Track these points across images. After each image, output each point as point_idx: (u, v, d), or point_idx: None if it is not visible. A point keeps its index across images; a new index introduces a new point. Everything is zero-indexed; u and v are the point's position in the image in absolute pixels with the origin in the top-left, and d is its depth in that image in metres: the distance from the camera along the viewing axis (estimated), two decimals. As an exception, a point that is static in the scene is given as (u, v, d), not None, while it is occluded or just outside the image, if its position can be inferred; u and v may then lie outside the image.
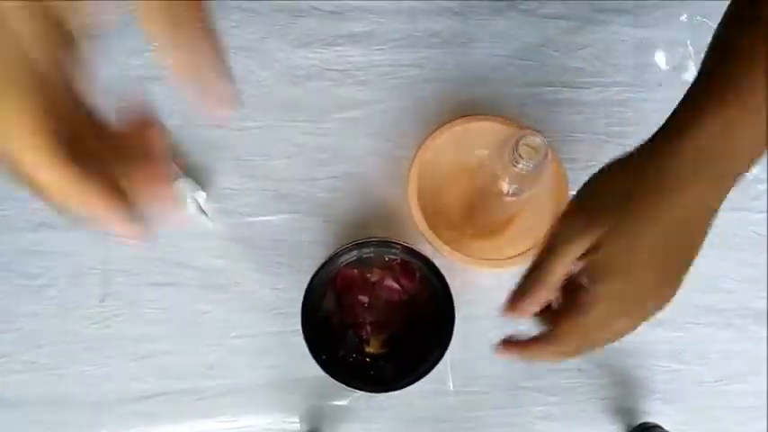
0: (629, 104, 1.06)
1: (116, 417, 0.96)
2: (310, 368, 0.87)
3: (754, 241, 1.03)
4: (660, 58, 1.08)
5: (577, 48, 1.07)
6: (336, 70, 1.05)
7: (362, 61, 1.05)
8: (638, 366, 0.99)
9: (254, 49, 1.04)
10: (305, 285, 0.85)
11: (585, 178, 1.03)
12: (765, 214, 1.03)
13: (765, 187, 1.04)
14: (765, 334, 1.00)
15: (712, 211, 0.69)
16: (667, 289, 0.70)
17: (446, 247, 0.93)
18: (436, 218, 0.96)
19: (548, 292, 0.69)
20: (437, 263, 0.88)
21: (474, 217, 0.99)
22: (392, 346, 0.90)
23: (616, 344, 0.96)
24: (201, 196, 0.99)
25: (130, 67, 1.04)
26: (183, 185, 0.98)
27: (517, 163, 0.79)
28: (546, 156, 0.80)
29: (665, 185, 0.66)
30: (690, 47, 1.08)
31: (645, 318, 0.70)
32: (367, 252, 0.87)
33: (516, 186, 0.85)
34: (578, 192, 0.72)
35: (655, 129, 1.03)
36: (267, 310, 0.98)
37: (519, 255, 0.95)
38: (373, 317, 0.89)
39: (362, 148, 1.02)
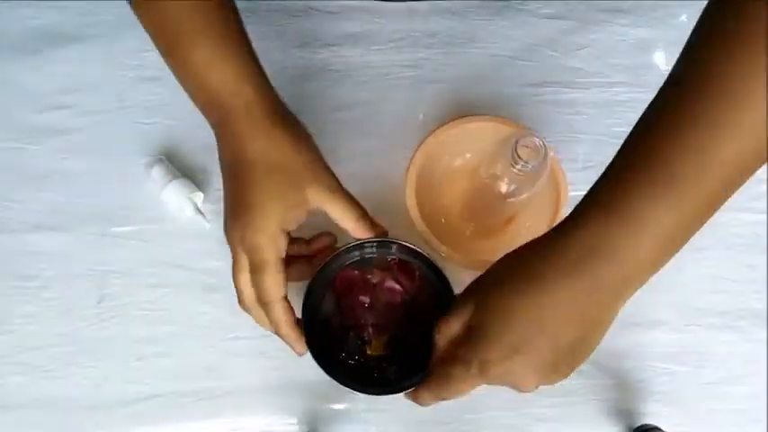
0: (628, 105, 1.06)
1: (114, 419, 0.95)
2: (309, 370, 0.87)
3: (754, 242, 1.03)
4: (660, 59, 1.08)
5: (577, 48, 1.07)
6: (334, 71, 1.05)
7: (360, 62, 1.05)
8: (637, 368, 0.99)
9: None
10: (304, 287, 0.85)
11: (585, 178, 1.03)
12: (765, 215, 1.03)
13: (766, 188, 1.05)
14: (765, 335, 1.00)
15: (603, 307, 0.70)
16: (546, 372, 0.71)
17: (444, 248, 0.93)
18: (435, 218, 0.97)
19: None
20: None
21: (473, 217, 0.99)
22: (393, 347, 0.89)
23: (615, 345, 0.98)
24: (199, 197, 0.99)
25: (130, 67, 1.04)
26: (181, 186, 0.98)
27: (516, 164, 0.80)
28: (545, 157, 0.80)
29: (540, 275, 0.68)
30: (689, 47, 1.09)
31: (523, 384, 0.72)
32: (369, 253, 0.87)
33: (515, 187, 0.85)
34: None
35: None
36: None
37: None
38: (374, 318, 0.88)
39: (360, 149, 1.02)
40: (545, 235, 0.70)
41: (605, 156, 1.04)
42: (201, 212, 0.98)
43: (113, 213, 1.01)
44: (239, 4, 1.06)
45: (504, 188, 0.85)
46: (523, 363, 0.69)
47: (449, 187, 0.99)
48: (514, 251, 0.72)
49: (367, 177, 0.99)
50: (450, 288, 0.82)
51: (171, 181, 0.98)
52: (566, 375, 0.71)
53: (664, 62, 1.08)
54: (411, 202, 0.94)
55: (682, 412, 0.98)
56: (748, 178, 0.68)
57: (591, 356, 0.93)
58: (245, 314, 0.86)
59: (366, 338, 0.88)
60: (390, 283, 0.88)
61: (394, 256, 0.87)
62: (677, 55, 1.06)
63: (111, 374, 0.97)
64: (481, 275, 0.75)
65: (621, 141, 1.04)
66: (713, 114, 0.62)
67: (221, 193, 0.80)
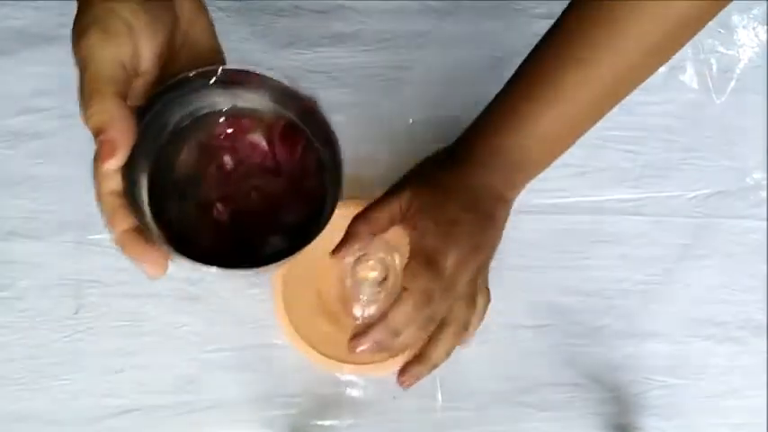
0: (624, 107, 1.04)
1: (90, 434, 0.95)
2: (294, 384, 0.87)
3: (753, 250, 1.03)
4: (658, 60, 1.09)
5: (571, 49, 1.07)
6: (320, 72, 1.05)
7: (347, 63, 1.05)
8: (633, 381, 0.99)
9: (233, 50, 1.02)
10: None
11: (580, 184, 1.03)
12: (765, 222, 1.04)
13: (766, 195, 1.05)
14: (766, 347, 1.00)
15: (498, 195, 0.86)
16: (464, 219, 0.83)
17: (315, 353, 0.93)
18: (312, 309, 0.96)
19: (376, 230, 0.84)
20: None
21: (347, 311, 0.97)
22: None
23: (611, 357, 0.98)
24: (178, 203, 0.99)
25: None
26: (161, 192, 0.97)
27: (362, 292, 0.85)
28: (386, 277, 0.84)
29: (460, 161, 0.85)
30: (688, 48, 1.08)
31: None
32: (242, 97, 0.72)
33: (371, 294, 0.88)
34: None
35: (651, 131, 1.03)
36: (247, 322, 0.97)
37: (396, 355, 0.92)
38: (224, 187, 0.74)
39: (347, 153, 0.98)
40: (462, 141, 0.88)
41: (601, 159, 1.05)
42: (181, 219, 0.98)
43: (90, 220, 1.00)
44: (223, 4, 1.06)
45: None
46: (463, 232, 0.82)
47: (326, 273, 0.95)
48: (433, 157, 0.89)
49: (352, 183, 0.99)
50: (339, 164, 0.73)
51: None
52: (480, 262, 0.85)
53: (662, 63, 1.08)
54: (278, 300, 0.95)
55: (680, 427, 0.98)
56: (627, 93, 0.86)
57: (587, 369, 0.94)
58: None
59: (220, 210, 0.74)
60: (255, 139, 0.75)
61: (283, 115, 0.73)
62: (676, 55, 1.06)
63: (87, 387, 0.96)
64: (407, 175, 0.87)
65: (617, 145, 1.05)
66: (590, 37, 0.78)
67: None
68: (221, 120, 0.72)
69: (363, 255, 0.84)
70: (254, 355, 0.97)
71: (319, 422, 0.95)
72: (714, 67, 1.11)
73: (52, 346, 0.97)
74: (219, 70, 0.68)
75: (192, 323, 0.97)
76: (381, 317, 0.81)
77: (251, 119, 0.73)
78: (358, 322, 0.90)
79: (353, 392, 0.96)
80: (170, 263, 0.65)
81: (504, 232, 0.88)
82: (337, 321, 0.96)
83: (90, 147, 0.99)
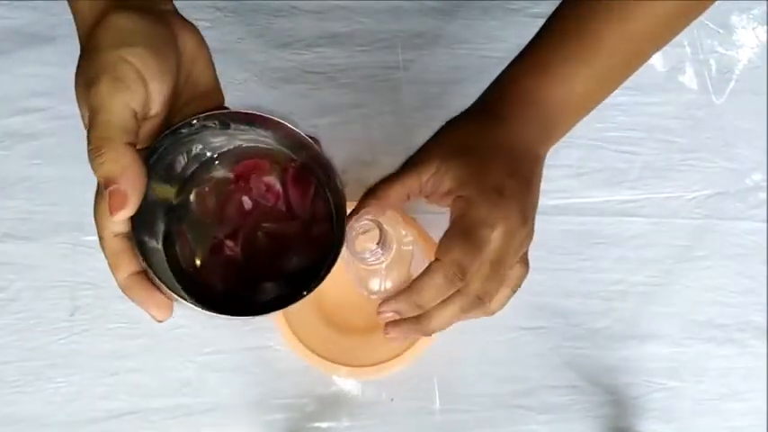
0: (623, 108, 1.06)
1: (85, 437, 0.95)
2: (291, 386, 0.88)
3: (753, 252, 1.03)
4: (657, 60, 1.09)
5: (569, 49, 1.07)
6: (317, 73, 1.06)
7: (344, 63, 1.06)
8: (632, 384, 0.99)
9: (229, 50, 1.04)
10: None
11: (580, 185, 1.04)
12: (765, 224, 1.04)
13: (765, 196, 1.05)
14: (765, 349, 1.00)
15: (534, 154, 0.81)
16: (513, 187, 0.78)
17: (313, 355, 0.93)
18: (310, 312, 0.96)
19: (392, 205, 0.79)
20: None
21: (348, 315, 0.97)
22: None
23: (610, 360, 0.98)
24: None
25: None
26: (156, 194, 0.98)
27: (363, 260, 0.77)
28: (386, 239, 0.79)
29: (493, 117, 0.80)
30: (687, 48, 1.09)
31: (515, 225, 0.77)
32: (256, 139, 0.72)
33: (377, 282, 0.84)
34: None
35: (650, 132, 1.03)
36: (244, 324, 0.97)
37: (395, 357, 0.94)
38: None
39: (344, 155, 1.02)
40: (490, 91, 0.84)
41: (600, 161, 1.05)
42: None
43: (86, 222, 0.97)
44: (220, 3, 1.07)
45: (368, 288, 0.83)
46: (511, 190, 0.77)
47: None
48: (459, 117, 0.83)
49: (351, 185, 0.99)
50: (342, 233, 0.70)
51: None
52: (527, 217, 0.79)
53: (661, 63, 1.08)
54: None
55: (679, 430, 0.98)
56: (659, 49, 0.84)
57: (586, 372, 0.94)
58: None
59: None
60: (269, 180, 0.75)
61: (295, 159, 0.74)
62: (674, 56, 1.06)
63: (83, 390, 0.96)
64: (430, 142, 0.81)
65: (616, 146, 1.05)
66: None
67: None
68: (227, 163, 0.73)
69: (358, 225, 0.79)
70: (252, 358, 0.97)
71: (317, 424, 0.96)
72: (713, 68, 1.11)
73: (47, 348, 0.97)
74: (225, 113, 0.68)
75: (189, 325, 0.97)
76: (406, 287, 0.76)
77: (258, 161, 0.73)
78: (374, 297, 0.87)
79: (351, 395, 0.96)
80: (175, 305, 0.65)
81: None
82: (335, 324, 0.96)
83: (86, 147, 0.99)
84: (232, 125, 0.69)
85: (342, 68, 1.06)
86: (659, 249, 1.03)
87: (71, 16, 0.68)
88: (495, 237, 0.74)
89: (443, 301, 0.75)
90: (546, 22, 0.83)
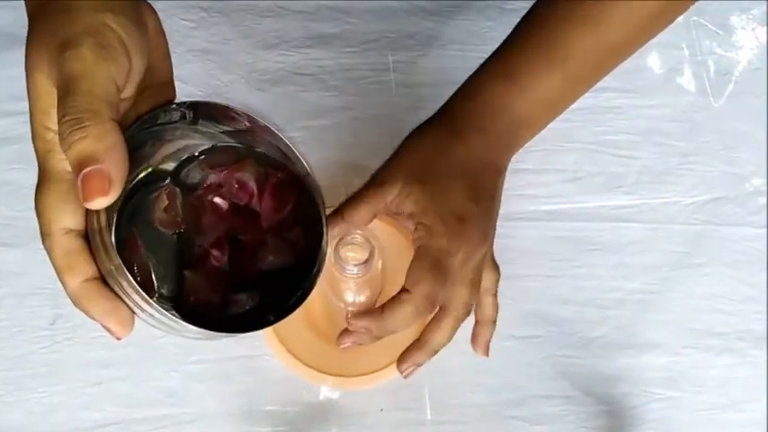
0: (620, 111, 1.07)
1: (67, 448, 0.95)
2: (278, 396, 0.88)
3: (753, 258, 1.04)
4: (654, 62, 1.10)
5: (564, 50, 1.08)
6: (304, 74, 1.06)
7: (333, 65, 1.06)
8: (629, 394, 0.99)
9: (215, 51, 1.04)
10: None
11: (575, 190, 1.04)
12: (765, 230, 1.04)
13: (765, 201, 1.06)
14: (765, 359, 1.00)
15: (495, 167, 0.85)
16: (473, 212, 0.82)
17: (300, 364, 0.94)
18: (297, 320, 0.96)
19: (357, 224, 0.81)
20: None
21: (336, 323, 0.97)
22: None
23: (606, 369, 0.98)
24: (160, 209, 1.00)
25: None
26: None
27: (344, 270, 0.80)
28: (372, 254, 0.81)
29: (455, 133, 0.83)
30: (685, 50, 1.10)
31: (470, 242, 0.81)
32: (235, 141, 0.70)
33: (356, 293, 0.87)
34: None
35: (647, 136, 1.04)
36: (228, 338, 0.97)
37: (385, 366, 0.94)
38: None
39: (332, 159, 1.02)
40: (451, 103, 0.86)
41: (595, 165, 1.06)
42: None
43: None
44: (206, 4, 1.07)
45: (347, 297, 0.87)
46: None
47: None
48: (422, 127, 0.86)
49: (339, 190, 0.99)
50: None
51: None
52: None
53: (658, 65, 1.09)
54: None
55: (677, 441, 0.98)
56: (631, 53, 0.86)
57: (581, 382, 0.94)
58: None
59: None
60: (242, 177, 0.71)
61: (275, 172, 0.71)
62: (672, 58, 1.08)
63: (64, 400, 0.96)
64: (393, 158, 0.84)
65: (612, 150, 1.06)
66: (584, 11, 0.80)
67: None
68: (203, 161, 0.70)
69: (346, 236, 0.81)
70: (237, 367, 0.97)
71: (305, 435, 0.96)
72: (712, 70, 1.11)
73: (29, 357, 0.97)
74: (199, 105, 0.64)
75: (173, 334, 0.98)
76: (376, 311, 0.79)
77: (237, 162, 0.70)
78: (351, 308, 0.89)
79: (339, 405, 0.97)
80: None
81: (495, 240, 0.87)
82: (322, 332, 0.96)
83: None
84: (203, 120, 0.66)
85: (330, 70, 1.06)
86: (656, 256, 1.04)
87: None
88: (457, 261, 0.79)
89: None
90: (515, 28, 0.85)
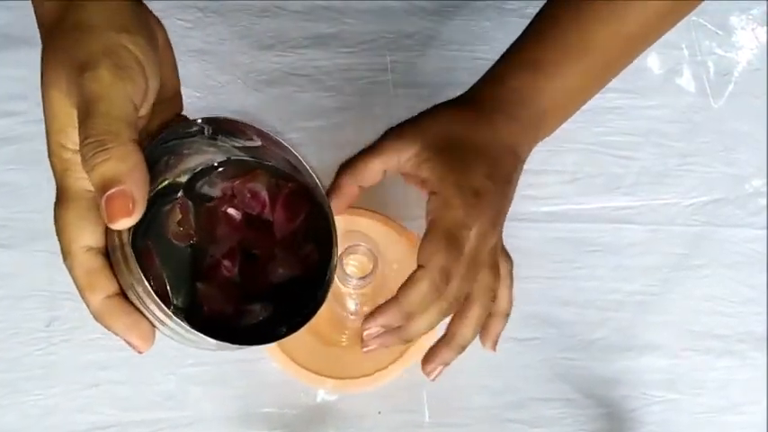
0: (620, 111, 1.07)
1: (62, 452, 0.95)
2: (276, 399, 0.88)
3: (753, 260, 1.04)
4: (654, 62, 1.10)
5: (564, 50, 1.08)
6: (301, 75, 1.07)
7: (330, 65, 1.07)
8: (628, 396, 0.99)
9: (211, 52, 1.04)
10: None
11: (575, 191, 1.05)
12: (765, 231, 1.05)
13: (765, 202, 1.06)
14: (765, 361, 1.01)
15: (516, 154, 0.83)
16: (489, 189, 0.79)
17: (297, 367, 0.94)
18: None
19: (363, 180, 0.81)
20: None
21: (334, 325, 0.98)
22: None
23: (605, 371, 0.99)
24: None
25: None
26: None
27: (348, 283, 0.81)
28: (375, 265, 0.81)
29: (481, 114, 0.81)
30: (685, 50, 1.10)
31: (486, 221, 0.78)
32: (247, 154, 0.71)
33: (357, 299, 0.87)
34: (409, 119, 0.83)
35: (646, 137, 1.04)
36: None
37: (383, 368, 0.94)
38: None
39: (329, 161, 0.99)
40: (480, 86, 0.85)
41: (595, 166, 1.06)
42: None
43: None
44: (202, 4, 1.07)
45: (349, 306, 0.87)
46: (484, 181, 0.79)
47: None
48: (448, 104, 0.84)
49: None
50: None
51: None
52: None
53: (657, 65, 1.09)
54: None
55: (677, 444, 0.98)
56: (650, 44, 0.87)
57: (580, 384, 0.94)
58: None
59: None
60: (254, 187, 0.73)
61: (286, 183, 0.73)
62: (672, 58, 1.08)
63: (61, 403, 0.96)
64: (415, 121, 0.82)
65: (612, 150, 1.06)
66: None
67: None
68: (216, 173, 0.71)
69: (350, 246, 0.82)
70: (235, 370, 0.97)
71: (303, 439, 0.96)
72: (711, 70, 1.12)
73: (24, 359, 0.97)
74: (218, 121, 0.65)
75: (170, 336, 0.98)
76: (392, 299, 0.75)
77: (249, 173, 0.71)
78: (352, 317, 0.90)
79: (337, 408, 0.97)
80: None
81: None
82: (320, 335, 0.96)
83: None
84: (221, 135, 0.67)
85: (327, 71, 1.06)
86: (656, 257, 1.04)
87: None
88: (473, 235, 0.76)
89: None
90: (534, 18, 0.85)
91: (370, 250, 0.81)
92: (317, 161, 0.99)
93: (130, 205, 0.53)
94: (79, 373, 0.97)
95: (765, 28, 1.15)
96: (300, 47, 1.08)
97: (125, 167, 0.53)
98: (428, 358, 0.84)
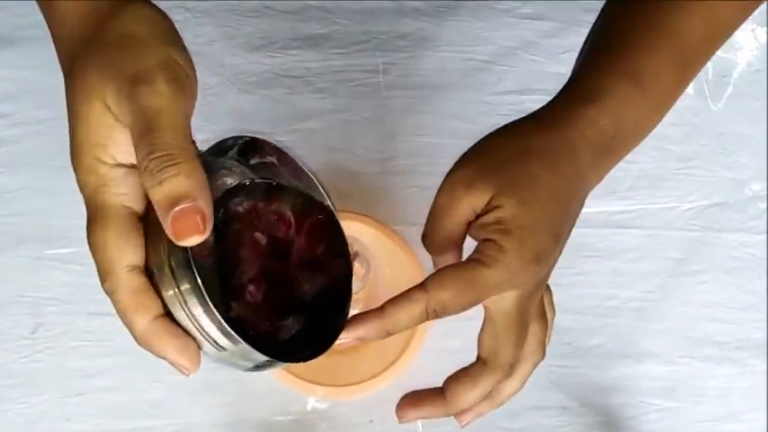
0: (617, 113, 1.08)
1: (48, 461, 0.95)
2: (266, 407, 0.88)
3: (752, 265, 1.04)
4: (652, 63, 1.11)
5: (560, 51, 1.09)
6: (292, 77, 1.07)
7: (321, 66, 1.07)
8: (626, 404, 0.99)
9: (200, 53, 1.04)
10: None
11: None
12: (765, 236, 1.05)
13: (765, 206, 1.06)
14: (765, 368, 1.01)
15: (587, 189, 0.74)
16: (553, 252, 0.72)
17: (288, 374, 0.93)
18: None
19: (448, 245, 0.74)
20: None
21: None
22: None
23: (603, 379, 0.99)
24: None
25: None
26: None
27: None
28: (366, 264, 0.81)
29: (566, 146, 0.71)
30: (684, 51, 1.11)
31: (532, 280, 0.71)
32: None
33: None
34: (465, 153, 0.73)
35: (646, 140, 1.05)
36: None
37: (375, 376, 0.95)
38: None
39: (321, 163, 1.02)
40: (560, 106, 0.75)
41: (591, 169, 1.07)
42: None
43: (50, 234, 1.01)
44: (190, 4, 1.08)
45: None
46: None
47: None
48: (514, 127, 0.74)
49: (331, 194, 1.00)
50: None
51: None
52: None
53: (656, 66, 1.10)
54: None
55: (675, 453, 0.98)
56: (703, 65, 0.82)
57: (577, 392, 0.94)
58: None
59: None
60: (283, 211, 0.72)
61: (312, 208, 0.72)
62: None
63: (46, 411, 0.96)
64: (477, 153, 0.72)
65: (609, 154, 1.06)
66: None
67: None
68: (241, 194, 0.68)
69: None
70: (224, 377, 0.97)
71: (293, 447, 0.96)
72: (710, 72, 1.12)
73: (9, 366, 0.97)
74: (254, 140, 0.65)
75: (157, 343, 0.98)
76: (376, 310, 0.69)
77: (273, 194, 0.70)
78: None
79: (328, 416, 0.97)
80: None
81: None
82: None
83: (57, 156, 0.96)
84: (251, 154, 0.67)
85: (318, 72, 1.07)
86: (654, 263, 1.04)
87: (36, 17, 0.63)
88: (508, 304, 0.70)
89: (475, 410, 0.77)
90: (595, 38, 0.79)
91: (362, 255, 0.81)
92: (309, 162, 1.00)
93: (203, 222, 0.53)
94: (65, 380, 0.97)
95: (765, 28, 1.15)
96: (291, 48, 1.08)
97: (195, 183, 0.53)
98: (466, 410, 0.79)
